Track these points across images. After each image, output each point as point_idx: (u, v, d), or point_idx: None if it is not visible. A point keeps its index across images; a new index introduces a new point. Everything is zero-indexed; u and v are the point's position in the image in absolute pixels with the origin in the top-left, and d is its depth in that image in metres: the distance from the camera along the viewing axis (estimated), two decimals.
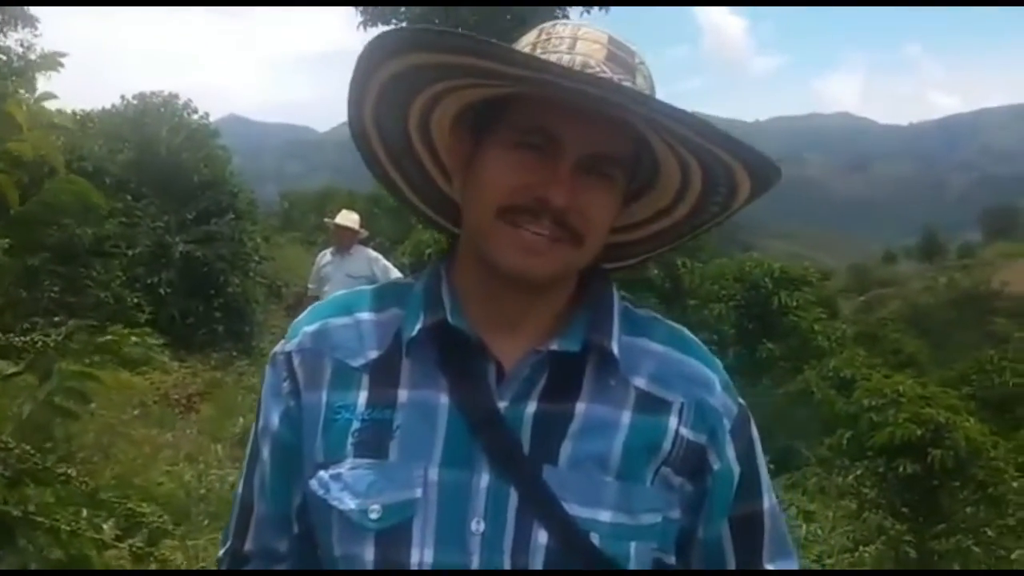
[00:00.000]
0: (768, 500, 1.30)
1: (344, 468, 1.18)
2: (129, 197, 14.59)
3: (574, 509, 1.15)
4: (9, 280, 8.48)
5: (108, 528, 2.68)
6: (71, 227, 10.43)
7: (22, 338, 2.84)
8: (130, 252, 13.57)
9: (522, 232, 1.14)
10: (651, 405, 1.22)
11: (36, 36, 23.09)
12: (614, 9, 20.16)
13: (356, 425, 1.19)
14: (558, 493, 1.15)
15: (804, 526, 8.60)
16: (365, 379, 1.22)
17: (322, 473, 1.19)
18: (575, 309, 1.25)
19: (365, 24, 19.28)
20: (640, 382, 1.23)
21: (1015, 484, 9.76)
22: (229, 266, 14.73)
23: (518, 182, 1.14)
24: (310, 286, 9.57)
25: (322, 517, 1.20)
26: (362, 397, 1.20)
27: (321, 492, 1.19)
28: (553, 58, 1.15)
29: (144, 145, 15.29)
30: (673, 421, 1.22)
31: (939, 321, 48.81)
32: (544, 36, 1.20)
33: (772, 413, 15.18)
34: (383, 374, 1.21)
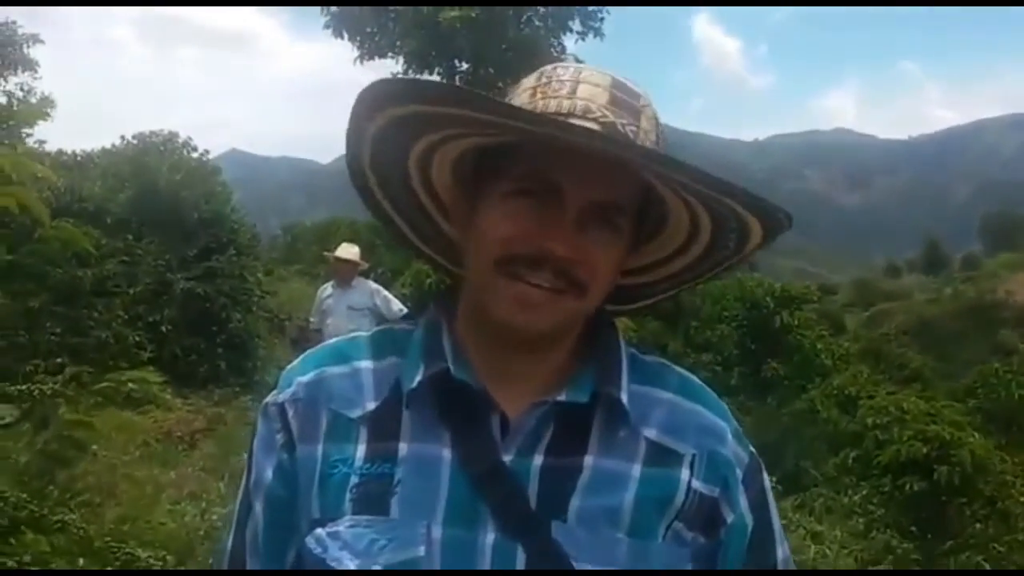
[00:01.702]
0: (782, 551, 1.27)
1: (342, 526, 1.13)
2: (130, 236, 14.64)
3: (584, 567, 1.11)
4: (10, 324, 8.48)
5: None
6: (71, 268, 10.50)
7: (18, 387, 2.87)
8: (131, 291, 13.58)
9: (520, 284, 1.11)
10: (662, 457, 1.19)
11: (36, 79, 23.30)
12: (609, 36, 20.22)
13: (354, 480, 1.14)
14: (568, 550, 1.11)
15: (812, 547, 8.54)
16: (363, 431, 1.17)
17: (319, 531, 1.15)
18: (582, 358, 1.22)
19: (362, 58, 19.38)
20: (650, 433, 1.20)
21: (1023, 499, 9.69)
22: (231, 301, 14.72)
23: (516, 231, 1.11)
24: (312, 320, 9.58)
25: None
26: (360, 451, 1.16)
27: (319, 551, 1.14)
28: (553, 103, 1.13)
29: (144, 184, 15.33)
30: (685, 473, 1.19)
31: (945, 334, 48.57)
32: (545, 80, 1.18)
33: (778, 433, 15.08)
34: (382, 426, 1.17)
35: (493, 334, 1.18)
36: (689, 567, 1.19)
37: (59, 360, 8.71)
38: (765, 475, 1.29)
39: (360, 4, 18.89)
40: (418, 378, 1.17)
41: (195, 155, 17.54)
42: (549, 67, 1.21)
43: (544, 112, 1.13)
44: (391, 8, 18.29)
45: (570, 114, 1.12)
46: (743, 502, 1.23)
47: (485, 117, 1.07)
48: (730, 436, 1.25)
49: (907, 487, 9.10)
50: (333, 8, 19.05)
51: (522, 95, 1.18)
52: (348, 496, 1.14)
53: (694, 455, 1.20)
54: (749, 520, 1.23)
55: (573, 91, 1.15)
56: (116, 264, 13.56)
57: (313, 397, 1.21)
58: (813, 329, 19.26)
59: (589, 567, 1.12)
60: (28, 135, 21.76)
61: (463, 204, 1.21)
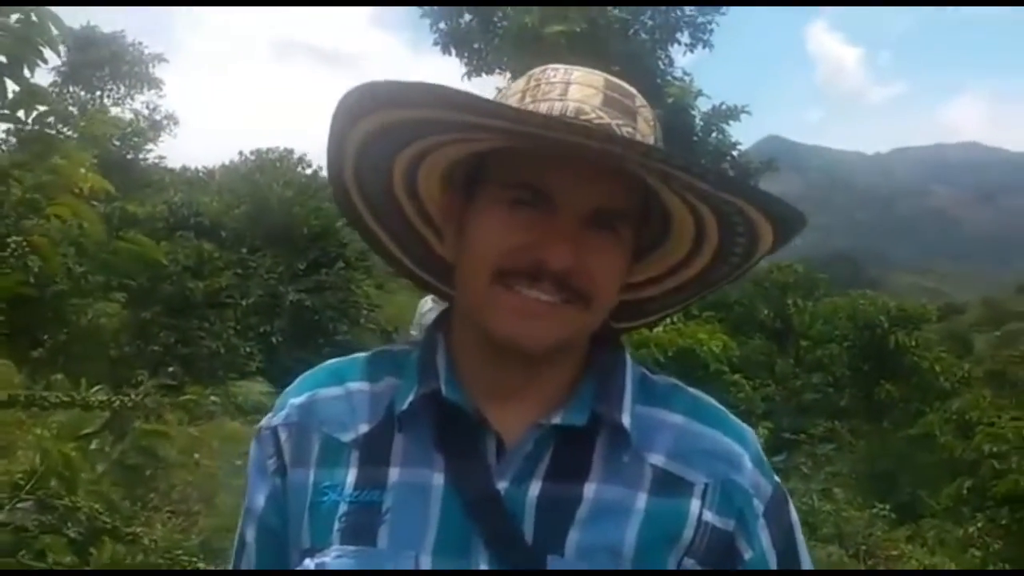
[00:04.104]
0: None
1: (329, 556, 1.07)
2: (244, 249, 15.24)
3: None
4: (125, 334, 8.84)
5: None
6: (184, 280, 10.93)
7: (99, 398, 2.95)
8: (244, 302, 14.11)
9: (520, 296, 1.04)
10: (670, 486, 1.09)
11: (161, 97, 24.54)
12: (719, 46, 19.93)
13: (343, 508, 1.08)
14: None
15: None
16: (355, 456, 1.11)
17: (307, 561, 1.09)
18: (583, 377, 1.14)
19: (470, 74, 19.58)
20: (657, 459, 1.10)
21: None
22: (338, 314, 15.15)
23: (512, 244, 1.04)
24: (412, 333, 9.65)
25: None
26: (351, 476, 1.10)
27: None
28: (543, 106, 1.07)
29: (258, 199, 15.92)
30: (695, 504, 1.09)
31: None
32: (534, 83, 1.12)
33: (893, 459, 14.56)
34: (374, 451, 1.11)
35: (491, 352, 1.11)
36: None
37: (170, 369, 9.02)
38: (792, 509, 1.17)
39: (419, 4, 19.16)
40: (410, 399, 1.11)
41: (308, 172, 18.11)
42: (538, 69, 1.14)
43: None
44: (495, 24, 18.44)
45: (562, 117, 1.04)
46: (764, 538, 1.11)
47: (467, 119, 1.00)
48: (748, 463, 1.14)
49: None
50: (442, 25, 19.30)
51: (511, 99, 1.11)
52: (337, 525, 1.08)
53: (706, 484, 1.10)
54: (772, 558, 1.11)
55: (564, 92, 1.08)
56: (230, 276, 14.09)
57: (305, 420, 1.16)
58: (932, 350, 18.55)
59: None
60: (150, 151, 23.06)
61: (454, 217, 1.14)
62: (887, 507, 10.87)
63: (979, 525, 9.22)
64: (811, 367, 17.84)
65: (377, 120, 1.06)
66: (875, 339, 17.94)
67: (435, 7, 19.33)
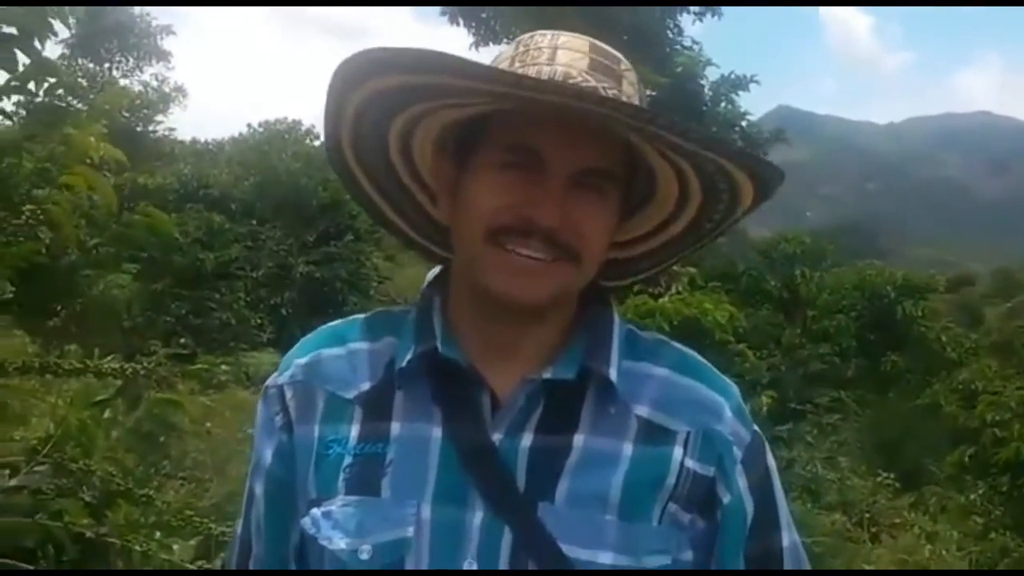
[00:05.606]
0: (788, 536, 1.20)
1: (335, 505, 1.13)
2: (254, 221, 15.30)
3: (572, 550, 1.09)
4: (137, 305, 8.90)
5: (178, 549, 2.83)
6: (194, 251, 11.01)
7: (111, 365, 3.02)
8: (254, 274, 14.19)
9: (512, 255, 1.09)
10: (654, 435, 1.15)
11: (169, 70, 24.50)
12: (728, 15, 19.75)
13: (348, 460, 1.14)
14: (555, 533, 1.09)
15: (927, 547, 8.22)
16: (358, 411, 1.17)
17: (315, 510, 1.15)
18: (572, 334, 1.19)
19: (477, 44, 19.48)
20: (642, 410, 1.16)
21: None
22: (347, 286, 15.20)
23: (503, 202, 1.10)
24: None
25: (315, 557, 1.15)
26: (354, 430, 1.15)
27: (312, 531, 1.14)
28: (532, 71, 1.11)
29: (267, 171, 15.95)
30: (678, 452, 1.14)
31: None
32: (522, 48, 1.16)
33: (899, 428, 14.59)
34: (375, 406, 1.16)
35: (485, 310, 1.17)
36: (687, 552, 1.15)
37: (182, 340, 9.10)
38: (770, 456, 1.23)
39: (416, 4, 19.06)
40: (408, 357, 1.16)
41: (316, 143, 18.11)
42: (527, 35, 1.18)
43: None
44: None
45: (550, 81, 1.09)
46: (742, 483, 1.17)
47: (460, 83, 1.05)
48: (728, 413, 1.19)
49: None
50: None
51: (501, 65, 1.16)
52: (342, 476, 1.14)
53: (688, 432, 1.16)
54: (748, 502, 1.17)
55: (552, 58, 1.13)
56: (240, 248, 14.17)
57: (310, 379, 1.21)
58: (938, 320, 18.51)
59: (577, 550, 1.09)
60: (160, 123, 23.10)
61: (447, 181, 1.19)
62: (891, 476, 10.91)
63: (980, 492, 9.29)
64: (818, 337, 17.84)
65: (372, 87, 1.11)
66: (882, 309, 17.91)
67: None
